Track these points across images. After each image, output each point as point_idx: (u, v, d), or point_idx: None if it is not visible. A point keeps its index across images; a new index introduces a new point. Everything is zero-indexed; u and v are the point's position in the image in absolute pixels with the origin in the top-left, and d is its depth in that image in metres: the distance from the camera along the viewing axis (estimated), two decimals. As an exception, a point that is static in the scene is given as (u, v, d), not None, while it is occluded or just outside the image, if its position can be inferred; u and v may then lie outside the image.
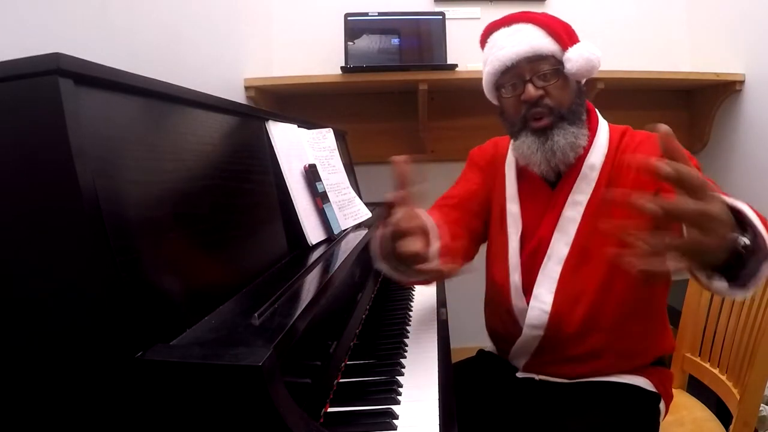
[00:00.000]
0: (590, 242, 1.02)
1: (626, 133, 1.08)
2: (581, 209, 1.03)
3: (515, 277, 1.10)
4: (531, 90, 1.00)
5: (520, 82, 1.02)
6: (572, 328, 1.02)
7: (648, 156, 0.96)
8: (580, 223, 1.03)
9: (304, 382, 0.73)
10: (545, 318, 1.03)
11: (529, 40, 1.01)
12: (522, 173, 1.14)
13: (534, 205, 1.11)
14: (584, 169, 1.04)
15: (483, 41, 1.10)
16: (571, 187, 1.05)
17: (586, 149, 1.05)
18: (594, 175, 1.03)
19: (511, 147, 1.14)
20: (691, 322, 1.30)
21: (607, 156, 1.04)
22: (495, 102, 1.12)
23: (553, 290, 1.03)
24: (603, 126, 1.08)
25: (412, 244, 0.77)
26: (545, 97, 1.01)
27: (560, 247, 1.04)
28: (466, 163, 1.27)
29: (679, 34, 2.39)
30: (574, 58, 1.00)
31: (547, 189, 1.09)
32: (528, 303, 1.07)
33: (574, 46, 1.01)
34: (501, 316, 1.14)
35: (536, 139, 1.02)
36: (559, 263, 1.04)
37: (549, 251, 1.05)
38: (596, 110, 1.11)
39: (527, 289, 1.08)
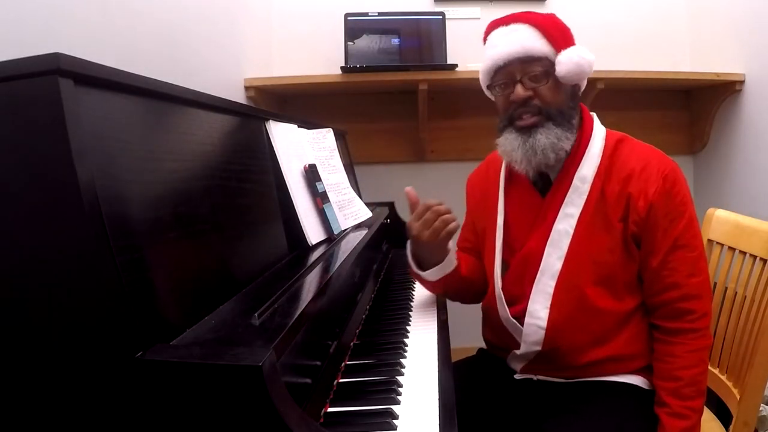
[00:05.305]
0: (584, 255, 1.01)
1: (621, 143, 1.05)
2: (573, 222, 1.02)
3: (498, 285, 1.10)
4: (519, 90, 1.01)
5: (511, 82, 1.03)
6: (570, 343, 1.02)
7: (634, 171, 1.00)
8: (573, 237, 1.01)
9: (304, 382, 0.73)
10: (542, 334, 1.02)
11: (522, 40, 1.01)
12: (511, 179, 1.14)
13: (522, 213, 1.10)
14: (575, 181, 1.03)
15: (484, 39, 1.10)
16: (563, 199, 1.03)
17: (578, 158, 1.03)
18: (586, 188, 1.02)
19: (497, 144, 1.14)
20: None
21: (600, 166, 1.02)
22: (492, 98, 1.12)
23: (548, 305, 1.02)
24: (598, 134, 1.06)
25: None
26: (534, 98, 1.01)
27: (553, 261, 1.03)
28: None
29: (679, 34, 2.39)
30: (564, 61, 1.00)
31: (536, 197, 1.08)
32: (511, 312, 1.07)
33: (567, 49, 1.01)
34: (494, 327, 1.14)
35: (519, 135, 1.02)
36: (553, 278, 1.02)
37: (542, 266, 1.03)
38: (594, 117, 1.09)
39: (516, 298, 1.08)
